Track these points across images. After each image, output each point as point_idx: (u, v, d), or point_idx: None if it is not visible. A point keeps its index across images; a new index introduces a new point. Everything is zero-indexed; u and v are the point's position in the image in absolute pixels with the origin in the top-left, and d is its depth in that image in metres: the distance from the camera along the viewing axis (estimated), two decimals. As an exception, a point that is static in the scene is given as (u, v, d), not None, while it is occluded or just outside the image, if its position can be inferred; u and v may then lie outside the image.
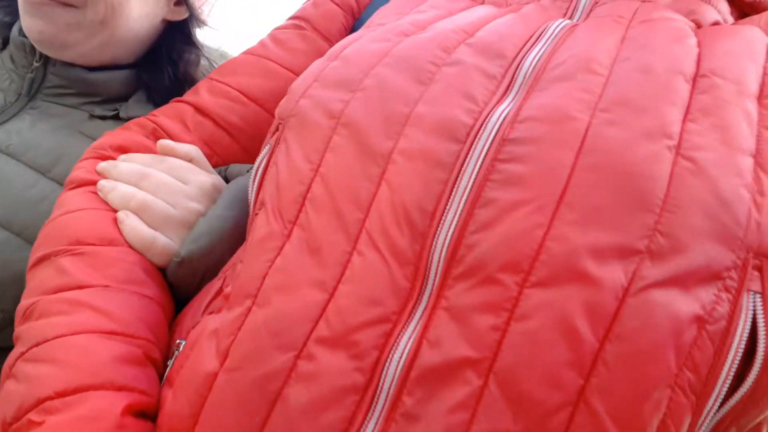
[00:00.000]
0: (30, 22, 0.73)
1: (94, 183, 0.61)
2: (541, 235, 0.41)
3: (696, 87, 0.46)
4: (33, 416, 0.45)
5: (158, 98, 0.82)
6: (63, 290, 0.52)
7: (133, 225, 0.57)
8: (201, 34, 0.89)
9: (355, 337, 0.42)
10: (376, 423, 0.41)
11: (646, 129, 0.43)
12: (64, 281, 0.52)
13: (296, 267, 0.46)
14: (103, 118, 0.80)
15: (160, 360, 0.52)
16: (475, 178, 0.44)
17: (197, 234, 0.59)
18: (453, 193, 0.44)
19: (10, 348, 0.51)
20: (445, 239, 0.43)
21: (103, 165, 0.62)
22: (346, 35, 0.76)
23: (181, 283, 0.59)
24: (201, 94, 0.71)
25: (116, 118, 0.80)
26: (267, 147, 0.56)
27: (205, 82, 0.73)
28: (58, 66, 0.79)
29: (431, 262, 0.43)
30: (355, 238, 0.45)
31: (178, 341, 0.52)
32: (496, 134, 0.45)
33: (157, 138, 0.67)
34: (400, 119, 0.48)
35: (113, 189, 0.60)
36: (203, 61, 0.90)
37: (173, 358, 0.51)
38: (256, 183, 0.55)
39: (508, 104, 0.47)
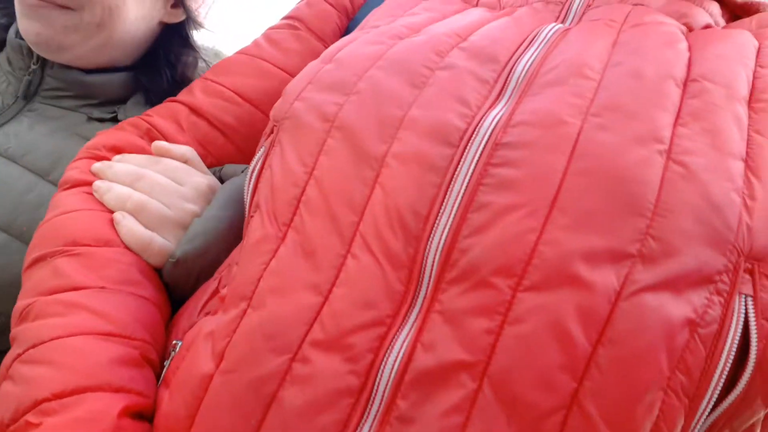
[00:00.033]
0: (27, 25, 0.73)
1: (88, 183, 0.61)
2: (534, 239, 0.41)
3: (686, 91, 0.46)
4: (30, 418, 0.45)
5: (156, 100, 0.82)
6: (59, 291, 0.52)
7: (129, 226, 0.58)
8: (196, 34, 0.89)
9: (349, 340, 0.42)
10: (371, 426, 0.41)
11: (637, 134, 0.43)
12: (60, 282, 0.53)
13: (291, 270, 0.46)
14: (101, 120, 0.80)
15: (156, 360, 0.52)
16: (468, 182, 0.44)
17: (192, 234, 0.59)
18: (446, 197, 0.44)
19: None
20: (439, 243, 0.43)
21: (98, 166, 0.62)
22: (341, 35, 0.77)
23: (176, 284, 0.59)
24: (195, 93, 0.71)
25: (114, 120, 0.80)
26: (262, 149, 0.56)
27: (200, 81, 0.73)
28: (56, 68, 0.79)
29: (425, 265, 0.43)
30: (350, 242, 0.46)
31: (174, 342, 0.52)
32: (488, 138, 0.45)
33: (151, 138, 0.67)
34: (393, 123, 0.48)
35: (109, 190, 0.60)
36: (201, 63, 0.90)
37: (170, 359, 0.51)
38: (251, 185, 0.55)
39: (501, 109, 0.48)
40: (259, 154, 0.56)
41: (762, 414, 0.44)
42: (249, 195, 0.55)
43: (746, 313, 0.40)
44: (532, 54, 0.51)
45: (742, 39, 0.51)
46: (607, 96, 0.46)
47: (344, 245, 0.46)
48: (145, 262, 0.57)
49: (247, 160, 0.66)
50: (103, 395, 0.46)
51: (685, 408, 0.40)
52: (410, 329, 0.42)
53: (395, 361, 0.41)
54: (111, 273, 0.54)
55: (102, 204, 0.60)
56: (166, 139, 0.67)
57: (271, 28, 0.77)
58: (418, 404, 0.40)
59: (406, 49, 0.53)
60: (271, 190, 0.51)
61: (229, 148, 0.71)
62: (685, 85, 0.47)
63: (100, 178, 0.62)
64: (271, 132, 0.56)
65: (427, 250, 0.44)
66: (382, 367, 0.42)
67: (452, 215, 0.44)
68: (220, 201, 0.62)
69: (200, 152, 0.68)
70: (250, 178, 0.56)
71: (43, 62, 0.79)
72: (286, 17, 0.78)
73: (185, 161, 0.65)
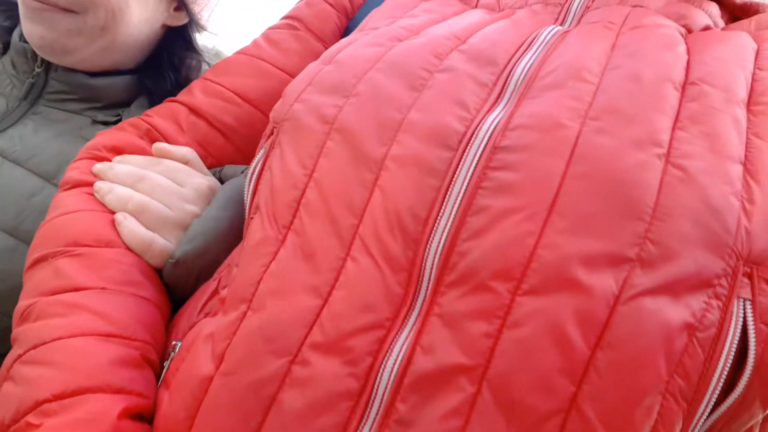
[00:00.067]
0: (31, 28, 0.73)
1: (89, 184, 0.62)
2: (533, 243, 0.41)
3: (685, 95, 0.46)
4: (31, 419, 0.45)
5: (160, 104, 0.82)
6: (60, 292, 0.52)
7: (130, 227, 0.58)
8: (197, 35, 0.89)
9: (349, 343, 0.42)
10: (371, 429, 0.41)
11: (635, 137, 0.43)
12: (61, 283, 0.53)
13: (291, 272, 0.46)
14: (105, 123, 0.80)
15: (157, 361, 0.52)
16: (467, 186, 0.44)
17: (192, 235, 0.59)
18: (445, 200, 0.44)
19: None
20: (438, 246, 0.43)
21: (99, 166, 0.63)
22: (340, 35, 0.77)
23: (176, 284, 0.60)
24: (195, 94, 0.71)
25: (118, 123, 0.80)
26: (262, 151, 0.56)
27: (199, 81, 0.73)
28: (60, 71, 0.79)
29: (424, 268, 0.43)
30: (349, 244, 0.46)
31: (174, 342, 0.52)
32: (487, 142, 0.46)
33: (151, 138, 0.67)
34: (392, 125, 0.48)
35: (110, 191, 0.60)
36: (204, 66, 0.90)
37: (169, 360, 0.51)
38: (251, 187, 0.55)
39: (500, 112, 0.48)
40: (259, 155, 0.56)
41: (760, 417, 0.44)
42: (249, 196, 0.55)
43: (744, 317, 0.41)
44: (531, 57, 0.51)
45: (741, 41, 0.51)
46: (605, 99, 0.46)
47: (344, 248, 0.46)
48: (145, 263, 0.58)
49: (247, 160, 0.66)
50: (103, 396, 0.46)
51: (684, 412, 0.40)
52: (409, 332, 0.42)
53: (394, 364, 0.42)
54: (112, 274, 0.54)
55: (103, 205, 0.60)
56: (166, 140, 0.68)
57: (271, 28, 0.77)
58: (418, 407, 0.41)
59: (406, 52, 0.53)
60: (271, 192, 0.51)
61: (228, 148, 0.71)
62: (683, 88, 0.47)
63: (101, 179, 0.62)
64: (271, 133, 0.56)
65: (426, 253, 0.44)
66: (381, 370, 0.42)
67: (451, 218, 0.44)
68: (220, 202, 0.62)
69: (200, 153, 0.68)
70: (250, 179, 0.56)
71: (47, 65, 0.79)
72: (286, 17, 0.78)
73: (186, 162, 0.65)
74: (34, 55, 0.78)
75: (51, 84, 0.79)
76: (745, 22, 0.57)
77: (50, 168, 0.74)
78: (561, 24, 0.57)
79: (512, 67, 0.50)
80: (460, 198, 0.44)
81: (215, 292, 0.54)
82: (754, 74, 0.49)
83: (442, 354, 0.41)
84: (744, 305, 0.41)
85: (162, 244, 0.58)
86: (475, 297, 0.42)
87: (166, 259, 0.58)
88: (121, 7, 0.74)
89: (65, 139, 0.77)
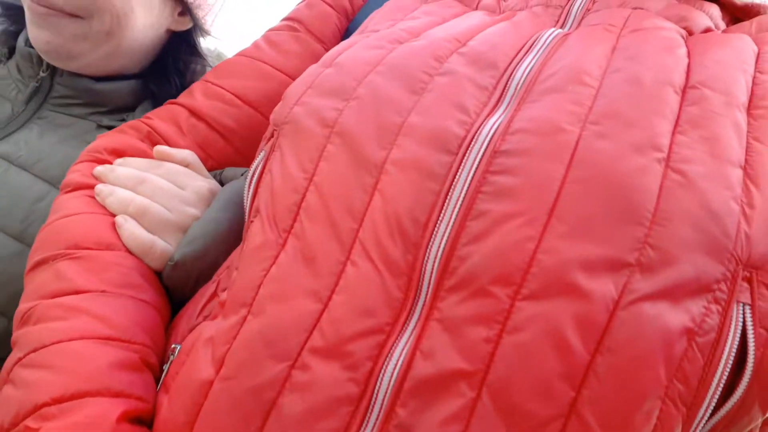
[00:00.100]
0: (37, 33, 0.73)
1: (90, 187, 0.62)
2: (533, 247, 0.41)
3: (685, 98, 0.46)
4: (30, 422, 0.45)
5: None
6: (60, 295, 0.52)
7: (131, 229, 0.58)
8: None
9: (348, 348, 0.42)
10: (371, 434, 0.41)
11: (635, 141, 0.43)
12: (61, 286, 0.53)
13: (291, 276, 0.46)
14: (110, 128, 0.79)
15: (156, 364, 0.52)
16: (467, 190, 0.44)
17: (191, 237, 0.59)
18: (445, 205, 0.44)
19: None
20: (438, 251, 0.43)
21: (100, 169, 0.63)
22: (340, 37, 0.77)
23: (175, 286, 0.60)
24: (195, 96, 0.71)
25: None
26: (262, 153, 0.56)
27: (200, 84, 0.73)
28: (65, 76, 0.79)
29: (424, 273, 0.43)
30: (349, 248, 0.46)
31: (173, 346, 0.52)
32: (487, 146, 0.45)
33: (152, 141, 0.68)
34: (393, 129, 0.48)
35: (111, 193, 0.60)
36: (208, 70, 0.89)
37: (168, 363, 0.51)
38: (251, 189, 0.55)
39: (500, 116, 0.48)
40: (259, 158, 0.56)
41: (760, 420, 0.44)
42: (249, 199, 0.55)
43: (744, 322, 0.41)
44: (531, 60, 0.51)
45: (742, 44, 0.51)
46: (605, 103, 0.46)
47: (344, 252, 0.46)
48: (146, 266, 0.58)
49: (247, 162, 0.66)
50: (103, 400, 0.46)
51: (683, 416, 0.40)
52: (409, 337, 0.42)
53: (394, 368, 0.42)
54: (112, 276, 0.55)
55: (104, 207, 0.60)
56: (167, 142, 0.68)
57: (271, 29, 0.77)
58: (418, 412, 0.41)
59: (406, 55, 0.53)
60: (272, 196, 0.51)
61: (228, 150, 0.71)
62: (683, 92, 0.47)
63: (102, 182, 0.62)
64: (271, 136, 0.56)
65: (426, 258, 0.44)
66: (381, 374, 0.42)
67: (451, 223, 0.44)
68: (220, 204, 0.62)
69: (200, 155, 0.68)
70: (250, 182, 0.56)
71: (52, 70, 0.80)
72: (286, 18, 0.78)
73: (186, 165, 0.65)
74: (40, 59, 0.79)
75: (56, 88, 0.80)
76: (746, 24, 0.57)
77: (56, 173, 0.74)
78: (561, 26, 0.57)
79: (512, 71, 0.50)
80: (460, 202, 0.44)
81: (214, 294, 0.54)
82: (754, 78, 0.48)
83: (442, 359, 0.41)
84: (743, 310, 0.41)
85: (162, 246, 0.58)
86: (474, 302, 0.42)
87: (167, 262, 0.58)
88: (126, 12, 0.74)
89: (70, 143, 0.77)
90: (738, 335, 0.40)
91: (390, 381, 0.41)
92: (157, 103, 0.83)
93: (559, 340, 0.39)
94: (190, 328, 0.54)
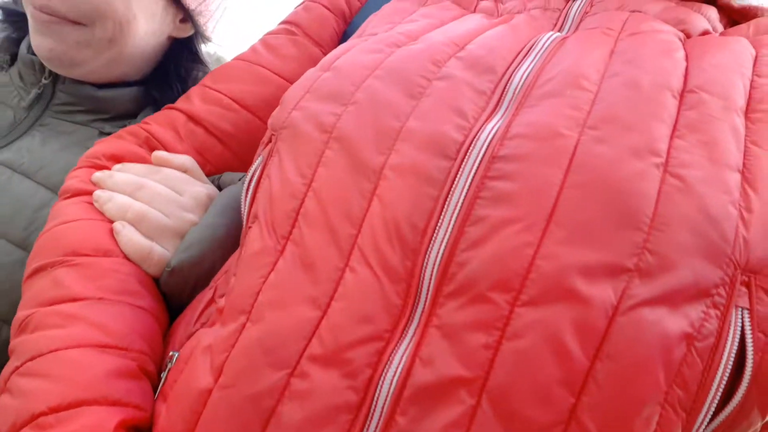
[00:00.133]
0: (39, 41, 0.74)
1: (88, 193, 0.61)
2: (531, 253, 0.41)
3: (683, 103, 0.46)
4: None
5: None
6: (58, 302, 0.52)
7: (129, 236, 0.58)
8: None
9: (347, 355, 0.42)
10: (371, 441, 0.41)
11: (633, 146, 0.43)
12: (59, 293, 0.53)
13: (290, 283, 0.46)
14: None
15: (154, 372, 0.52)
16: (465, 195, 0.44)
17: (188, 243, 0.59)
18: (444, 210, 0.44)
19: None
20: (437, 256, 0.43)
21: (98, 175, 0.62)
22: (338, 40, 0.76)
23: (173, 293, 0.60)
24: (193, 101, 0.71)
25: None
26: (260, 158, 0.56)
27: (198, 88, 0.73)
28: (68, 83, 0.80)
29: (423, 279, 0.43)
30: (348, 255, 0.45)
31: (171, 353, 0.52)
32: (485, 151, 0.45)
33: (150, 146, 0.67)
34: (391, 134, 0.48)
35: (109, 199, 0.60)
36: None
37: (166, 371, 0.51)
38: (249, 195, 0.55)
39: (498, 120, 0.47)
40: (257, 162, 0.56)
41: (759, 425, 0.44)
42: (247, 205, 0.55)
43: (743, 326, 0.41)
44: (530, 64, 0.51)
45: (739, 47, 0.51)
46: (603, 108, 0.46)
47: (342, 258, 0.45)
48: (143, 272, 0.58)
49: (246, 167, 0.66)
50: (100, 409, 0.46)
51: (683, 421, 0.40)
52: (408, 344, 0.42)
53: (394, 376, 0.41)
54: (110, 283, 0.54)
55: (102, 213, 0.60)
56: (165, 148, 0.68)
57: (269, 33, 0.77)
58: (418, 420, 0.40)
59: (404, 59, 0.53)
60: (270, 201, 0.51)
61: (226, 155, 0.71)
62: (681, 96, 0.47)
63: (100, 188, 0.62)
64: (269, 141, 0.56)
65: (425, 264, 0.43)
66: (380, 382, 0.41)
67: (450, 228, 0.44)
68: (217, 209, 0.62)
69: (198, 160, 0.68)
70: (248, 187, 0.56)
71: (54, 77, 0.80)
72: (284, 22, 0.78)
73: (185, 171, 0.65)
74: (42, 66, 0.79)
75: (58, 95, 0.80)
76: (743, 26, 0.57)
77: (58, 180, 0.73)
78: (559, 30, 0.57)
79: (510, 75, 0.50)
80: (458, 208, 0.44)
81: (212, 300, 0.54)
82: (752, 81, 0.48)
83: (441, 366, 0.41)
84: (742, 314, 0.41)
85: (160, 252, 0.58)
86: (473, 308, 0.41)
87: (164, 268, 0.58)
88: (129, 20, 0.75)
89: (73, 150, 0.77)
90: (737, 340, 0.40)
91: (389, 388, 0.41)
92: (159, 109, 0.84)
93: (558, 346, 0.39)
94: (188, 335, 0.53)
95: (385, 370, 0.42)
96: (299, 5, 0.79)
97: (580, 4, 0.58)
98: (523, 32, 0.55)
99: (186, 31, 0.85)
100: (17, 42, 0.83)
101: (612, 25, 0.54)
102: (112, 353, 0.50)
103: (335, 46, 0.71)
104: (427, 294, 0.43)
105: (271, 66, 0.73)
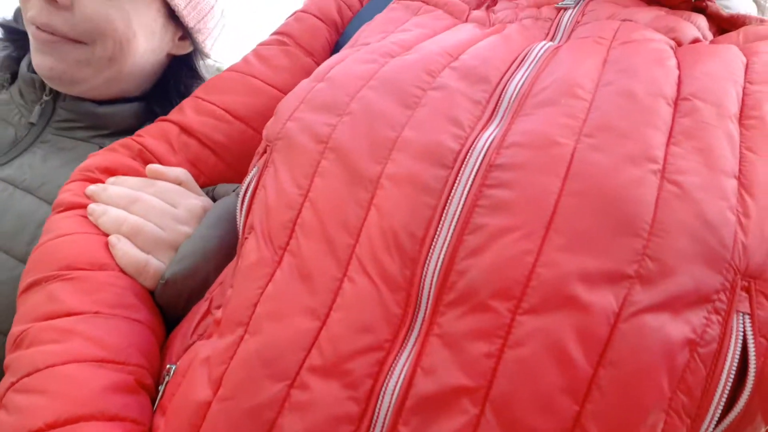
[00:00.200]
0: (40, 60, 0.75)
1: (82, 206, 0.61)
2: (531, 261, 0.41)
3: (678, 110, 0.47)
4: None
5: None
6: (53, 317, 0.52)
7: (125, 249, 0.57)
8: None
9: (348, 366, 0.42)
10: (373, 453, 0.41)
11: (630, 154, 0.43)
12: (54, 308, 0.52)
13: (287, 294, 0.46)
14: None
15: (152, 385, 0.52)
16: (463, 204, 0.44)
17: (181, 255, 0.59)
18: (442, 219, 0.44)
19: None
20: (436, 265, 0.43)
21: (92, 188, 0.62)
22: (330, 50, 0.76)
23: (168, 305, 0.59)
24: (186, 112, 0.71)
25: None
26: (255, 169, 0.56)
27: (190, 100, 0.72)
28: (68, 100, 0.80)
29: (423, 288, 0.43)
30: (346, 264, 0.45)
31: (168, 366, 0.52)
32: (482, 160, 0.45)
33: (143, 159, 0.67)
34: (387, 144, 0.48)
35: (104, 213, 0.59)
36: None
37: (164, 384, 0.51)
38: (245, 206, 0.55)
39: (494, 130, 0.48)
40: (252, 173, 0.56)
41: (763, 430, 0.44)
42: (242, 215, 0.55)
43: (744, 331, 0.41)
44: (524, 74, 0.51)
45: (730, 55, 0.52)
46: (599, 116, 0.46)
47: (340, 268, 0.45)
48: (139, 285, 0.57)
49: (240, 178, 0.66)
50: (97, 424, 0.46)
51: (687, 428, 0.40)
52: (409, 353, 0.42)
53: (395, 386, 0.41)
54: (106, 297, 0.54)
55: (97, 227, 0.59)
56: (158, 160, 0.67)
57: (261, 43, 0.77)
58: (420, 430, 0.40)
59: (398, 69, 0.53)
60: (266, 212, 0.51)
61: (220, 167, 0.70)
62: (676, 103, 0.47)
63: (95, 201, 0.61)
64: (264, 151, 0.56)
65: (424, 273, 0.43)
66: (382, 392, 0.41)
67: (449, 237, 0.44)
68: (210, 221, 0.62)
69: (192, 172, 0.68)
70: (243, 198, 0.55)
71: (55, 94, 0.81)
72: (276, 33, 0.78)
73: (179, 183, 0.65)
74: (42, 84, 0.80)
75: (59, 112, 0.81)
76: (732, 34, 0.58)
77: None
78: (551, 39, 0.57)
79: (505, 85, 0.50)
80: (456, 216, 0.44)
81: (208, 311, 0.54)
82: (744, 88, 0.49)
83: (443, 375, 0.41)
84: (743, 319, 0.41)
85: (156, 265, 0.58)
86: (474, 316, 0.41)
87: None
88: (129, 38, 0.76)
89: (73, 166, 0.77)
90: (739, 345, 0.40)
91: (391, 399, 0.41)
92: None
93: (561, 354, 0.39)
94: (185, 347, 0.53)
95: (386, 381, 0.42)
96: (290, 16, 0.79)
97: (571, 14, 0.59)
98: (516, 42, 0.55)
99: (185, 49, 0.87)
100: (18, 60, 0.84)
101: (604, 34, 0.54)
102: (109, 368, 0.49)
103: (327, 57, 0.72)
104: (427, 303, 0.43)
105: (263, 77, 0.73)
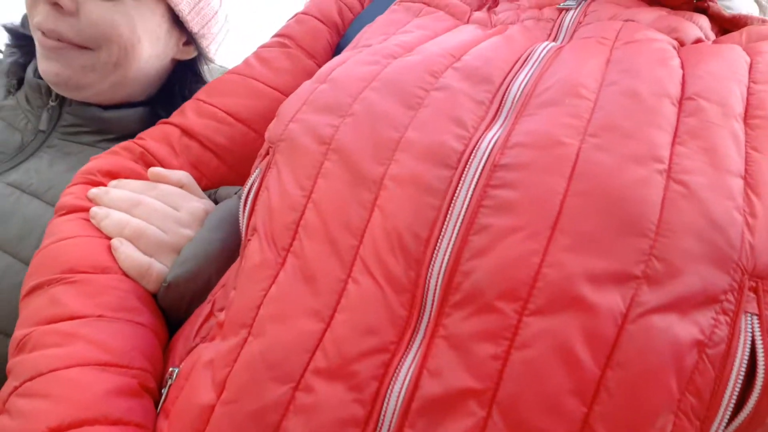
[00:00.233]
0: (47, 66, 0.76)
1: (85, 209, 0.61)
2: (537, 261, 0.41)
3: (682, 110, 0.46)
4: None
5: None
6: (56, 321, 0.51)
7: (128, 252, 0.57)
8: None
9: (353, 368, 0.42)
10: (379, 456, 0.40)
11: (635, 153, 0.43)
12: (57, 311, 0.52)
13: (291, 296, 0.46)
14: None
15: (155, 389, 0.52)
16: (468, 204, 0.44)
17: (183, 258, 0.59)
18: (447, 220, 0.44)
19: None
20: (441, 266, 0.43)
21: (94, 191, 0.62)
22: (332, 52, 0.76)
23: (170, 308, 0.59)
24: (188, 115, 0.71)
25: None
26: (257, 171, 0.56)
27: (192, 102, 0.72)
28: (74, 105, 0.82)
29: (428, 289, 0.43)
30: (350, 266, 0.45)
31: (170, 369, 0.52)
32: (486, 160, 0.45)
33: (145, 162, 0.67)
34: (390, 145, 0.48)
35: (107, 216, 0.59)
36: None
37: (167, 388, 0.50)
38: (247, 207, 0.55)
39: (497, 130, 0.47)
40: (255, 175, 0.56)
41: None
42: (245, 217, 0.55)
43: (753, 332, 0.40)
44: (527, 74, 0.51)
45: (734, 55, 0.51)
46: (603, 116, 0.46)
47: (344, 269, 0.45)
48: (142, 289, 0.57)
49: (242, 180, 0.65)
50: (101, 428, 0.45)
51: (697, 430, 0.40)
52: (415, 355, 0.42)
53: (401, 388, 0.41)
54: (109, 300, 0.54)
55: (99, 230, 0.59)
56: (160, 163, 0.67)
57: (262, 46, 0.77)
58: None
59: (400, 70, 0.53)
60: (269, 214, 0.50)
61: (222, 169, 0.70)
62: (680, 103, 0.47)
63: (97, 204, 0.61)
64: (267, 153, 0.56)
65: (429, 274, 0.43)
66: (387, 395, 0.41)
67: (453, 238, 0.43)
68: (212, 223, 0.62)
69: (194, 175, 0.68)
70: (246, 199, 0.55)
71: (61, 99, 0.82)
72: (277, 35, 0.78)
73: (181, 186, 0.65)
74: (49, 90, 0.81)
75: (65, 117, 0.82)
76: (735, 34, 0.57)
77: None
78: (554, 40, 0.57)
79: (508, 85, 0.50)
80: (461, 217, 0.44)
81: (210, 314, 0.54)
82: (749, 88, 0.49)
83: (449, 377, 0.40)
84: (752, 320, 0.41)
85: (159, 268, 0.58)
86: (480, 318, 0.41)
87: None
88: (134, 44, 0.77)
89: None
90: (748, 346, 0.40)
91: (397, 401, 0.41)
92: None
93: (568, 356, 0.39)
94: (188, 349, 0.53)
95: (392, 383, 0.41)
96: (291, 18, 0.79)
97: (573, 15, 0.59)
98: (518, 43, 0.55)
99: (189, 54, 0.88)
100: (24, 66, 0.86)
101: (606, 35, 0.54)
102: (112, 371, 0.49)
103: (329, 59, 0.71)
104: (432, 304, 0.43)
105: (264, 79, 0.73)
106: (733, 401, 0.40)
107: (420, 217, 0.45)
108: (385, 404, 0.41)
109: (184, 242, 0.60)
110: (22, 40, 0.86)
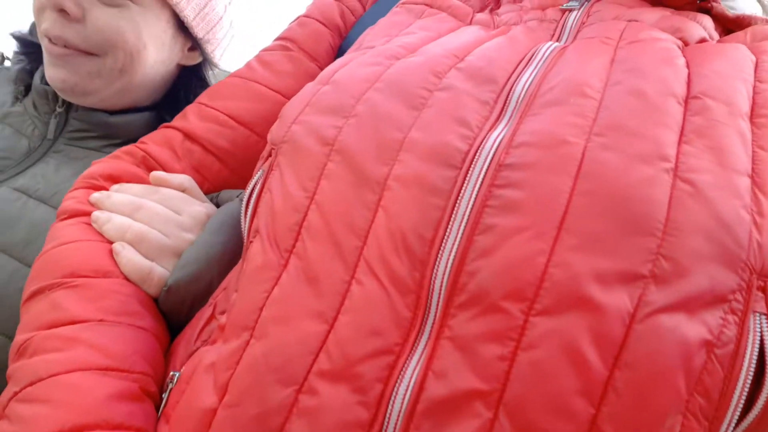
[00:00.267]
0: (53, 72, 0.77)
1: (86, 214, 0.61)
2: (544, 261, 0.41)
3: (688, 109, 0.46)
4: None
5: None
6: (57, 325, 0.51)
7: (129, 256, 0.57)
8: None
9: (357, 370, 0.41)
10: (384, 459, 0.40)
11: (642, 153, 0.43)
12: (58, 316, 0.52)
13: (294, 297, 0.45)
14: None
15: (157, 393, 0.51)
16: (473, 204, 0.43)
17: (184, 261, 0.59)
18: (452, 220, 0.44)
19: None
20: (446, 267, 0.42)
21: (96, 196, 0.62)
22: (334, 55, 0.77)
23: (171, 311, 0.59)
24: (189, 119, 0.71)
25: None
26: (260, 172, 0.56)
27: (194, 106, 0.72)
28: (81, 111, 0.83)
29: (432, 290, 0.42)
30: (354, 267, 0.45)
31: (172, 373, 0.51)
32: (491, 160, 0.45)
33: (147, 166, 0.67)
34: (393, 145, 0.48)
35: (108, 220, 0.59)
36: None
37: (168, 392, 0.50)
38: (249, 209, 0.54)
39: (502, 129, 0.47)
40: (257, 177, 0.56)
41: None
42: (247, 219, 0.54)
43: (761, 332, 0.40)
44: (531, 74, 0.50)
45: (739, 54, 0.51)
46: (608, 115, 0.45)
47: (348, 271, 0.45)
48: (143, 293, 0.57)
49: (244, 184, 0.65)
50: None
51: (705, 430, 0.39)
52: (420, 357, 0.41)
53: (406, 390, 0.40)
54: (110, 304, 0.53)
55: (101, 234, 0.59)
56: (162, 167, 0.67)
57: (264, 49, 0.78)
58: None
59: (403, 71, 0.53)
60: (272, 215, 0.50)
61: (224, 173, 0.70)
62: (686, 102, 0.47)
63: (99, 208, 0.61)
64: (269, 155, 0.56)
65: (434, 275, 0.43)
66: (392, 397, 0.40)
67: (458, 238, 0.43)
68: (213, 227, 0.62)
69: (196, 178, 0.68)
70: (248, 201, 0.55)
71: (68, 105, 0.83)
72: (279, 38, 0.78)
73: (183, 190, 0.65)
74: (55, 96, 0.82)
75: (71, 123, 0.83)
76: (740, 34, 0.57)
77: None
78: (557, 40, 0.57)
79: (512, 85, 0.50)
80: (466, 217, 0.43)
81: (211, 317, 0.54)
82: (754, 87, 0.48)
83: (455, 379, 0.40)
84: (760, 320, 0.40)
85: (160, 273, 0.57)
86: (486, 318, 0.41)
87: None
88: (139, 50, 0.78)
89: None
90: (756, 346, 0.40)
91: (402, 403, 0.40)
92: None
93: (576, 356, 0.39)
94: (189, 353, 0.53)
95: (396, 385, 0.41)
96: (293, 21, 0.79)
97: (576, 15, 0.58)
98: (522, 43, 0.55)
99: (194, 59, 0.89)
100: (31, 73, 0.87)
101: (610, 35, 0.54)
102: (113, 376, 0.49)
103: (331, 61, 0.71)
104: (437, 305, 0.42)
105: (266, 82, 0.73)
106: (743, 401, 0.40)
107: (424, 218, 0.44)
108: (390, 406, 0.40)
109: (186, 246, 0.60)
110: (29, 47, 0.87)
